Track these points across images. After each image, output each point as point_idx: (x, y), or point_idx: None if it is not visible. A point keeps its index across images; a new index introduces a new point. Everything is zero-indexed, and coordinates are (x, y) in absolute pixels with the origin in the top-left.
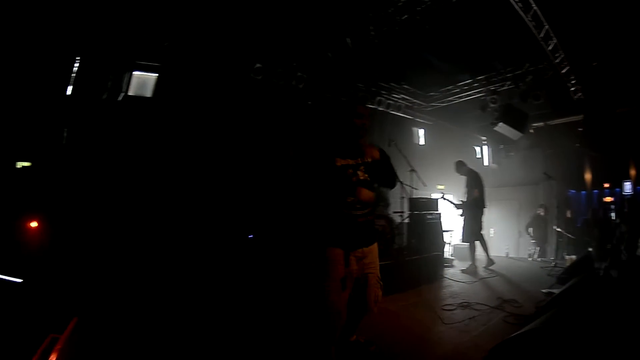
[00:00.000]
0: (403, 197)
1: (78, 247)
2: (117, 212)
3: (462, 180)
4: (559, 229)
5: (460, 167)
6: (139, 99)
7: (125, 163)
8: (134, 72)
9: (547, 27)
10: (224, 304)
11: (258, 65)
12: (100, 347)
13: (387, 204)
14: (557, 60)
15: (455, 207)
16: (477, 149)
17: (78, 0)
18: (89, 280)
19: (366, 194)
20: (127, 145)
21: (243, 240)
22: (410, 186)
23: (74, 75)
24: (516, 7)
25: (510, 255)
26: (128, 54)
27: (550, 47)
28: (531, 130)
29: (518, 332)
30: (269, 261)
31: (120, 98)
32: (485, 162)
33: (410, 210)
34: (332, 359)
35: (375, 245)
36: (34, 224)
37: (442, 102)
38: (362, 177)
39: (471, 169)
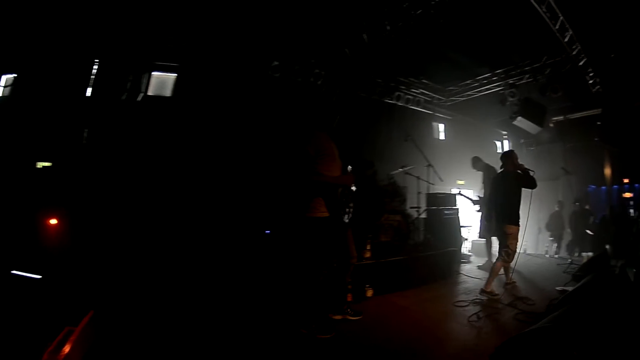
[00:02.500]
0: (420, 192)
1: (97, 243)
2: (136, 210)
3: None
4: (575, 226)
5: (477, 162)
6: (158, 99)
7: (144, 161)
8: (153, 73)
9: (561, 18)
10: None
11: (275, 62)
12: (114, 339)
13: (403, 199)
14: (574, 53)
15: (472, 202)
16: (498, 143)
17: (96, 3)
18: (106, 276)
19: None
20: (147, 144)
21: (260, 236)
22: (427, 181)
23: (93, 77)
24: None
25: (528, 252)
26: (146, 55)
27: (566, 39)
28: (551, 124)
29: (525, 330)
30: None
31: (139, 98)
32: None
33: (427, 206)
34: None
35: None
36: (53, 222)
37: (462, 97)
38: None
39: (487, 164)
